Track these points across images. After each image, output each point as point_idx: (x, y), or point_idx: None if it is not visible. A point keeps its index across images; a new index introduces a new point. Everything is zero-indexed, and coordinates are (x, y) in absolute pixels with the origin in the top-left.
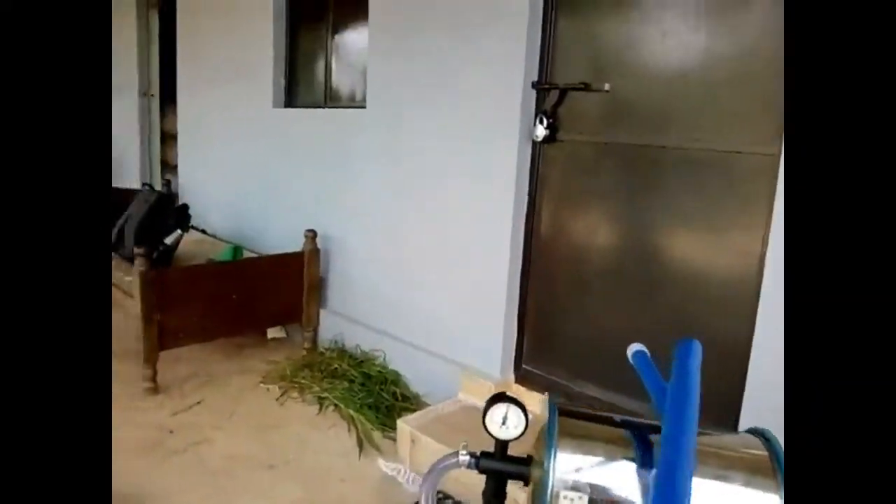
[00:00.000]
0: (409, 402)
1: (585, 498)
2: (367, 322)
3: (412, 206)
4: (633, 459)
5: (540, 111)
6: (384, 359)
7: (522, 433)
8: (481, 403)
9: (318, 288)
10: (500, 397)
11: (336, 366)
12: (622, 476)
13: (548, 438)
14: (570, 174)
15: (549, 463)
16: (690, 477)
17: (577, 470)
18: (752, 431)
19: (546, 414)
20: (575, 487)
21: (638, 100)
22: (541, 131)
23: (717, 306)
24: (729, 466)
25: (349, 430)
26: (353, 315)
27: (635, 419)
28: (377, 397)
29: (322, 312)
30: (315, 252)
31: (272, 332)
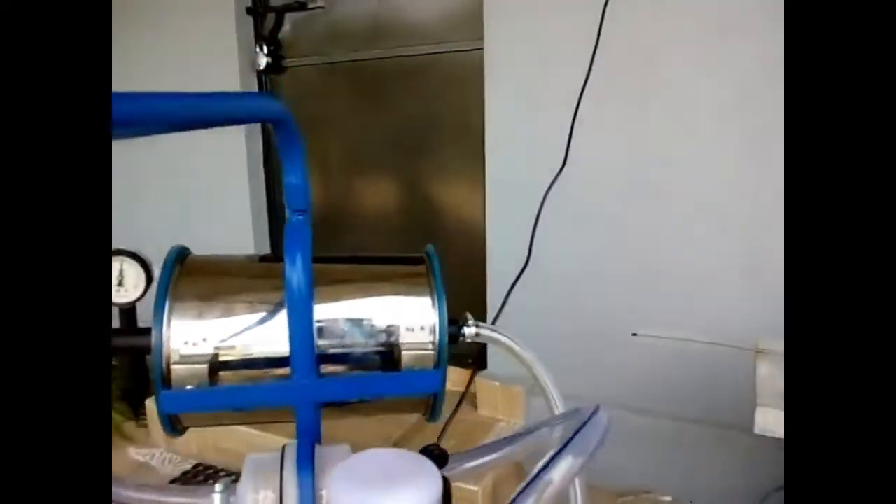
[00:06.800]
0: None
1: (204, 368)
2: None
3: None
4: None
5: (259, 38)
6: None
7: (144, 293)
8: None
9: None
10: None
11: None
12: (273, 328)
13: (159, 291)
14: (302, 103)
15: (159, 324)
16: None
17: (207, 331)
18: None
19: None
20: (191, 358)
21: (354, 13)
22: (262, 59)
23: (454, 208)
24: (388, 281)
25: None
26: None
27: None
28: (129, 383)
29: None
30: None
31: None
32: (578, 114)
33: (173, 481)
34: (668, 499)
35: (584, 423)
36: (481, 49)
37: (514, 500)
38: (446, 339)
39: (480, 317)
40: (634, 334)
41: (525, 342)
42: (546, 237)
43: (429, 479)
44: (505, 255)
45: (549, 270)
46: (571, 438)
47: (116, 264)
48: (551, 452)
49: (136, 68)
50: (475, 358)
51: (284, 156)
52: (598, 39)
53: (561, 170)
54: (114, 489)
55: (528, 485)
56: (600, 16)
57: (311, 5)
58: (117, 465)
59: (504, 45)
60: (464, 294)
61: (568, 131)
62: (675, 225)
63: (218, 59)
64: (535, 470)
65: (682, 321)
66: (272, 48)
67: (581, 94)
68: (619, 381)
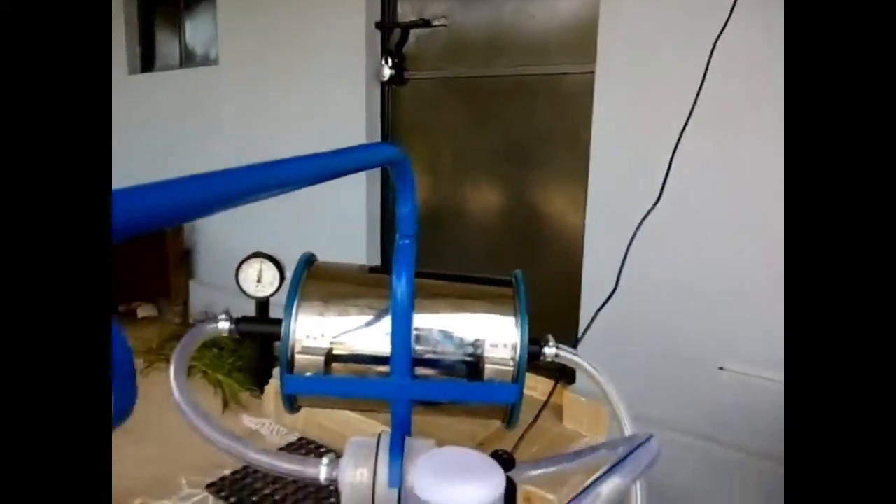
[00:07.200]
0: None
1: (321, 359)
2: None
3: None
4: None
5: (385, 51)
6: None
7: (277, 289)
8: None
9: (185, 259)
10: (252, 255)
11: None
12: (378, 331)
13: (290, 290)
14: (420, 112)
15: (288, 319)
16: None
17: (325, 328)
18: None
19: None
20: (312, 349)
21: (473, 32)
22: (387, 72)
23: (554, 224)
24: (479, 299)
25: (215, 393)
26: (225, 283)
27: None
28: (249, 361)
29: (192, 284)
30: None
31: (143, 311)
32: (679, 147)
33: (279, 450)
34: None
35: (637, 448)
36: (592, 73)
37: None
38: (525, 357)
39: (572, 330)
40: (721, 368)
41: (604, 364)
42: (639, 263)
43: (494, 478)
44: (599, 274)
45: (639, 295)
46: (623, 459)
47: (256, 264)
48: (604, 468)
49: (272, 80)
50: (562, 370)
51: (398, 190)
52: (705, 73)
53: (657, 201)
54: (238, 447)
55: (579, 494)
56: (710, 51)
57: (435, 23)
58: (232, 429)
59: (614, 71)
60: (559, 304)
61: (667, 163)
62: (768, 265)
63: (347, 69)
64: (588, 482)
65: (769, 357)
66: (396, 61)
67: (683, 128)
68: (702, 410)
